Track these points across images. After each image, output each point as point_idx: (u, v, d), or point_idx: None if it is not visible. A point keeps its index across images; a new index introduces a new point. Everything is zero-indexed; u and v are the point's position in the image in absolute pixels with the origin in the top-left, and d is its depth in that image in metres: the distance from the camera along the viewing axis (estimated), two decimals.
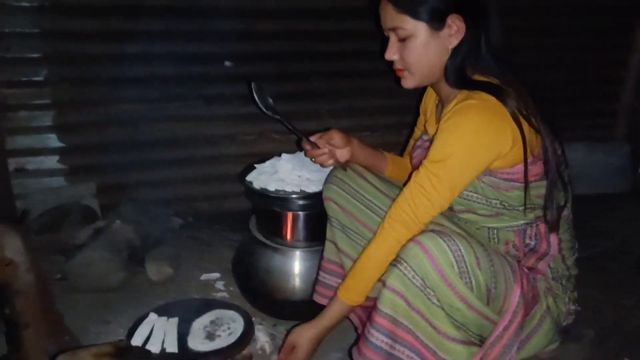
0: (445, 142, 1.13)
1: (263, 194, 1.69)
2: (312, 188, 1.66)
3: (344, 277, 1.32)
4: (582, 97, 3.00)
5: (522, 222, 1.23)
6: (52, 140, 2.21)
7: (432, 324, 1.10)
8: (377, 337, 1.11)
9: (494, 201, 1.20)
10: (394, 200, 1.24)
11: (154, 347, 1.32)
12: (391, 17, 1.18)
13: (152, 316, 1.44)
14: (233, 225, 2.39)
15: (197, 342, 1.40)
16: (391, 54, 1.22)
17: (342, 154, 1.44)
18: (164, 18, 2.19)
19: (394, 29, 1.19)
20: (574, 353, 1.42)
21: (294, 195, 1.65)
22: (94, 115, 2.23)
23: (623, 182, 2.94)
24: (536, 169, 1.17)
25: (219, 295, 1.90)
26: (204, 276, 2.01)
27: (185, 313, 1.48)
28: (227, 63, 2.34)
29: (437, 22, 1.15)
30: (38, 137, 2.19)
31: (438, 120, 1.31)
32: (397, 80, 1.28)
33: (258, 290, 1.75)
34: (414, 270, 1.07)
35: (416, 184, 1.16)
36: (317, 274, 1.55)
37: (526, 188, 1.16)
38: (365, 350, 1.13)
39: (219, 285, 1.96)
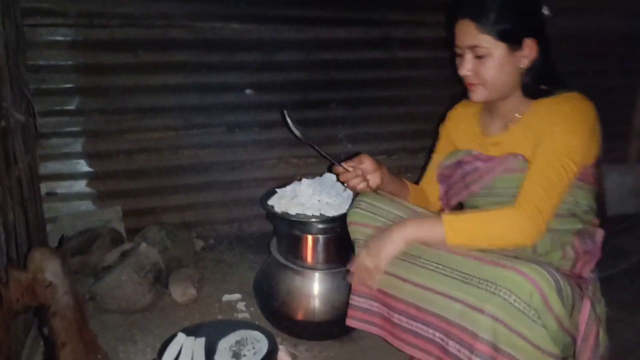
0: (564, 132, 1.22)
1: (284, 217, 1.76)
2: (332, 212, 1.73)
3: (376, 299, 1.32)
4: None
5: (582, 225, 1.30)
6: (82, 166, 2.32)
7: (535, 345, 1.08)
8: None
9: (569, 198, 1.26)
10: None
11: None
12: (472, 35, 1.25)
13: (180, 336, 1.50)
14: (254, 247, 2.47)
15: None
16: (466, 70, 1.29)
17: (374, 179, 1.43)
18: (189, 50, 2.32)
19: (472, 47, 1.26)
20: None
21: (314, 219, 1.72)
22: (121, 143, 2.34)
23: (639, 203, 2.96)
24: (595, 173, 1.29)
25: (241, 315, 1.96)
26: (226, 297, 2.07)
27: (212, 333, 1.54)
28: (247, 91, 2.45)
29: (515, 44, 1.24)
30: (68, 162, 2.30)
31: (487, 135, 1.40)
32: (463, 92, 1.37)
33: (279, 311, 1.80)
34: (515, 294, 1.06)
35: (544, 177, 1.22)
36: (349, 298, 1.44)
37: (599, 190, 1.30)
38: None
39: (241, 306, 2.02)
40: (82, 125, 2.28)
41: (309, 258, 1.80)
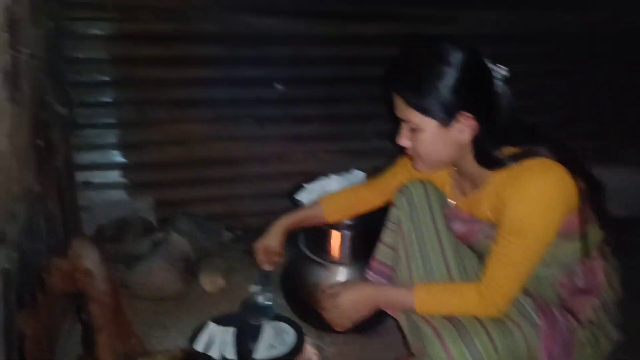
0: (519, 212, 1.12)
1: None
2: None
3: (389, 278, 1.40)
4: (622, 123, 3.03)
5: (572, 265, 1.23)
6: (116, 157, 2.38)
7: None
8: None
9: (553, 250, 1.19)
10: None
11: (214, 354, 1.43)
12: (400, 108, 1.19)
13: (211, 325, 1.55)
14: None
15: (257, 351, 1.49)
16: (402, 141, 1.23)
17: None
18: (220, 44, 2.35)
19: (404, 120, 1.20)
20: None
21: None
22: (153, 134, 2.40)
23: None
24: (581, 214, 1.17)
25: None
26: (253, 288, 2.11)
27: (241, 323, 1.58)
28: (278, 86, 2.47)
29: (446, 119, 1.14)
30: (103, 153, 2.36)
31: (462, 193, 1.34)
32: None
33: (305, 303, 1.83)
34: None
35: (508, 258, 1.15)
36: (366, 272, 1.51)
37: (583, 237, 1.18)
38: None
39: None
40: (116, 116, 2.34)
41: (336, 253, 1.83)
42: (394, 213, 1.40)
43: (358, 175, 2.01)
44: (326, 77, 2.53)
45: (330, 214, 1.61)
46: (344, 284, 1.35)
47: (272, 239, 1.59)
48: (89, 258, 1.47)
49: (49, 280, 1.40)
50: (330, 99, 2.56)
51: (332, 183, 1.90)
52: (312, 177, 1.97)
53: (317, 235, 1.86)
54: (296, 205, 1.83)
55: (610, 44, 2.86)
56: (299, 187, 1.92)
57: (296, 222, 1.62)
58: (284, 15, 2.39)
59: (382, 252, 1.44)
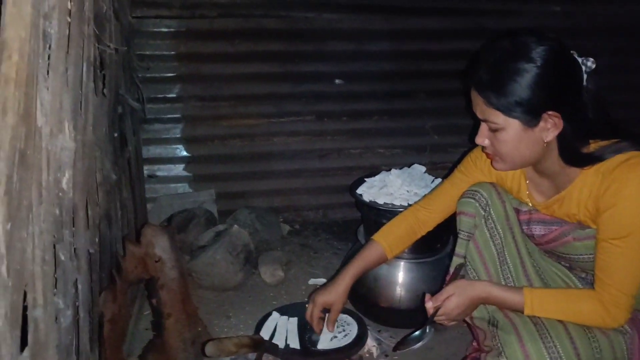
0: (626, 215, 1.07)
1: (372, 206, 1.79)
2: None
3: None
4: None
5: None
6: (180, 151, 2.46)
7: None
8: None
9: None
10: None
11: (279, 343, 1.46)
12: (482, 109, 1.13)
13: (275, 315, 1.58)
14: (338, 234, 2.53)
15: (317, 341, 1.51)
16: (481, 140, 1.18)
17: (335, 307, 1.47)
18: (282, 40, 2.39)
19: (484, 120, 1.15)
20: None
21: (401, 209, 1.73)
22: (216, 129, 2.46)
23: None
24: None
25: None
26: (312, 281, 2.14)
27: (304, 314, 1.60)
28: (337, 81, 2.49)
29: (530, 120, 1.09)
30: (168, 147, 2.45)
31: (541, 194, 1.28)
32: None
33: (365, 297, 1.84)
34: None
35: (628, 261, 1.10)
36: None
37: None
38: None
39: None
40: (182, 111, 2.42)
41: None
42: (465, 222, 1.33)
43: (419, 169, 2.00)
44: (386, 72, 2.53)
45: (393, 250, 1.51)
46: (456, 285, 1.25)
47: (335, 295, 1.45)
48: (160, 245, 1.53)
49: (124, 264, 1.46)
50: (390, 94, 2.56)
51: (393, 178, 1.90)
52: (369, 172, 1.97)
53: (378, 229, 1.85)
54: (357, 199, 1.84)
55: None
56: (359, 181, 1.93)
57: (361, 272, 1.49)
58: (344, 10, 2.40)
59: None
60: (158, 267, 1.54)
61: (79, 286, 1.00)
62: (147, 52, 2.31)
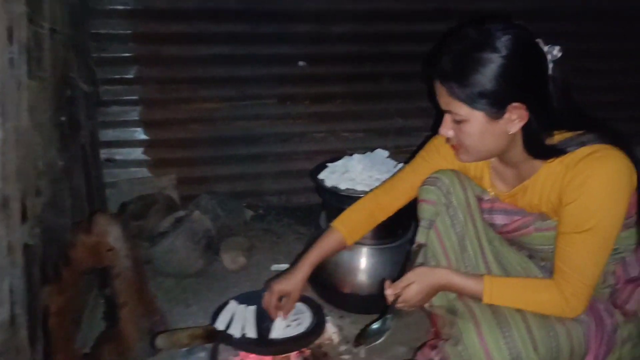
0: (588, 208, 1.06)
1: (334, 192, 1.77)
2: None
3: None
4: None
5: (625, 253, 1.20)
6: (139, 134, 2.39)
7: None
8: None
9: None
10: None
11: (235, 332, 1.44)
12: (445, 100, 1.11)
13: (232, 303, 1.55)
14: (301, 219, 2.51)
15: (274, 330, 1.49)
16: (445, 131, 1.16)
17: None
18: (243, 21, 2.32)
19: (447, 111, 1.13)
20: None
21: (363, 195, 1.71)
22: (176, 112, 2.40)
23: None
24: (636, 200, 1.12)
25: None
26: (275, 267, 2.12)
27: (261, 302, 1.58)
28: (300, 63, 2.44)
29: (495, 111, 1.07)
30: (126, 130, 2.37)
31: (505, 184, 1.27)
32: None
33: (326, 283, 1.83)
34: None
35: (588, 250, 1.09)
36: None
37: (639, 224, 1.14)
38: None
39: None
40: (140, 93, 2.34)
41: None
42: (426, 209, 1.32)
43: (381, 154, 1.98)
44: (350, 55, 2.49)
45: (352, 237, 1.49)
46: (416, 272, 1.23)
47: (292, 283, 1.44)
48: (113, 234, 1.49)
49: (75, 254, 1.41)
50: (354, 77, 2.52)
51: (355, 163, 1.88)
52: (333, 156, 1.94)
53: (339, 213, 1.84)
54: (319, 184, 1.81)
55: None
56: (321, 167, 1.90)
57: (319, 260, 1.47)
58: None
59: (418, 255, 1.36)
60: (111, 256, 1.49)
61: (14, 281, 0.95)
62: (102, 31, 2.21)
